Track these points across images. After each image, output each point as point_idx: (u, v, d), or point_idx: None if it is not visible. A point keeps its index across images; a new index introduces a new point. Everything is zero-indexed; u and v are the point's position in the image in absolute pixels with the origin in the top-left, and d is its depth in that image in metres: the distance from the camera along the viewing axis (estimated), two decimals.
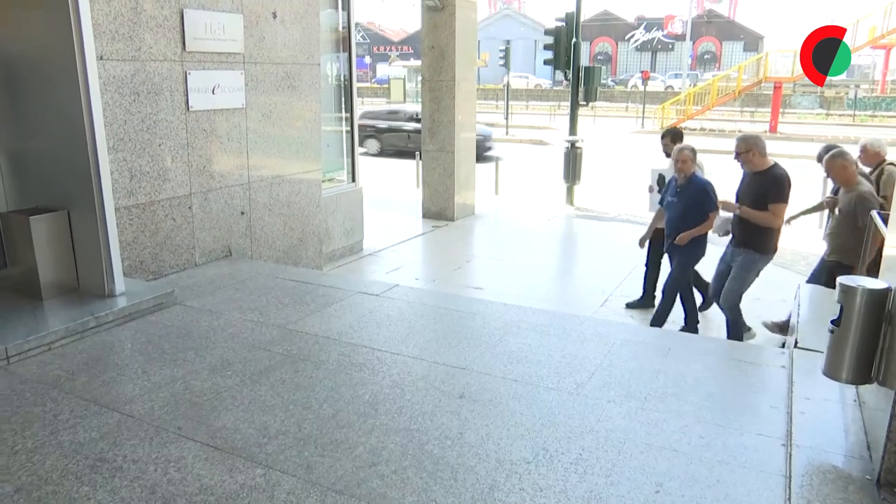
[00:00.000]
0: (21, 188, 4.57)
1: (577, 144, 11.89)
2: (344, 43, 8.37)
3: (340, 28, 8.33)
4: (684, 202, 5.56)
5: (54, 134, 4.28)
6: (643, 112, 29.56)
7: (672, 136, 6.57)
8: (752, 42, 54.24)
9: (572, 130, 12.20)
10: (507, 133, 24.88)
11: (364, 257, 8.57)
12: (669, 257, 5.85)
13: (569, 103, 12.48)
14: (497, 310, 4.61)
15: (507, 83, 27.42)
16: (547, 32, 12.48)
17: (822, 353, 2.85)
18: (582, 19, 12.16)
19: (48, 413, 3.13)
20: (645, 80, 33.66)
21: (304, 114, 6.30)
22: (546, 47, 12.39)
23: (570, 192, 12.11)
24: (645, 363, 3.72)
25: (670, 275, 5.79)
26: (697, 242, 5.59)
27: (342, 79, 8.45)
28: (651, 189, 6.72)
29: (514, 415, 3.13)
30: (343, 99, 8.50)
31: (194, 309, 4.44)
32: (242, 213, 5.78)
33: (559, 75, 18.33)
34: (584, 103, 12.17)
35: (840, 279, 2.72)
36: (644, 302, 6.57)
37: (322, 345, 3.90)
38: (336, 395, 3.28)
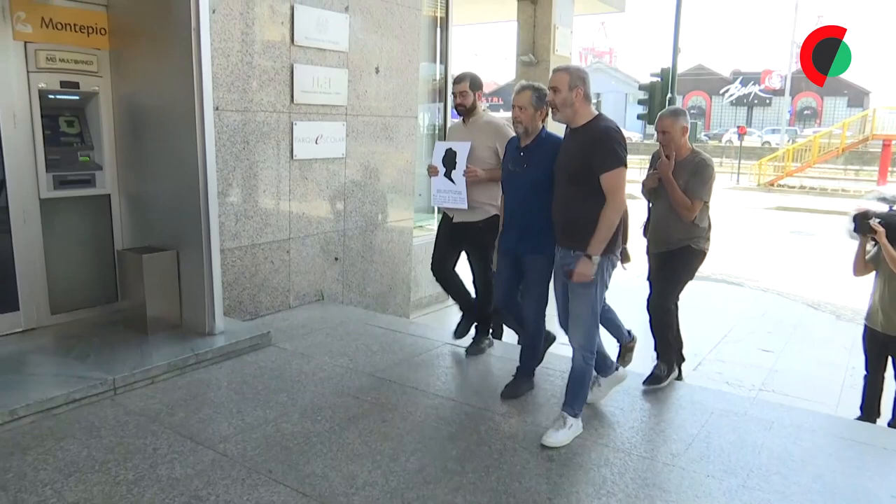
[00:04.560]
0: (137, 228, 4.88)
1: None
2: (440, 94, 8.60)
3: (437, 79, 8.57)
4: None
5: (170, 178, 4.56)
6: (738, 168, 28.69)
7: None
8: (857, 97, 51.96)
9: None
10: None
11: (449, 307, 8.57)
12: None
13: None
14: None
15: None
16: (641, 87, 12.42)
17: None
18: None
19: (148, 446, 3.25)
20: (741, 135, 32.76)
21: (399, 164, 6.47)
22: (640, 102, 12.32)
23: None
24: (746, 436, 3.51)
25: None
26: None
27: (436, 128, 8.66)
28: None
29: (605, 483, 3.01)
30: None
31: (287, 351, 4.56)
32: (336, 259, 5.94)
33: (651, 129, 18.08)
34: None
35: None
36: None
37: (410, 395, 3.90)
38: (423, 449, 3.25)
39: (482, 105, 4.43)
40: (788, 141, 36.17)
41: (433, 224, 8.67)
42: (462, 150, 4.25)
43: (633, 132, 49.49)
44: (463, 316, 4.70)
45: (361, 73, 5.96)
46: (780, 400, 5.54)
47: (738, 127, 35.93)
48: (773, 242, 13.60)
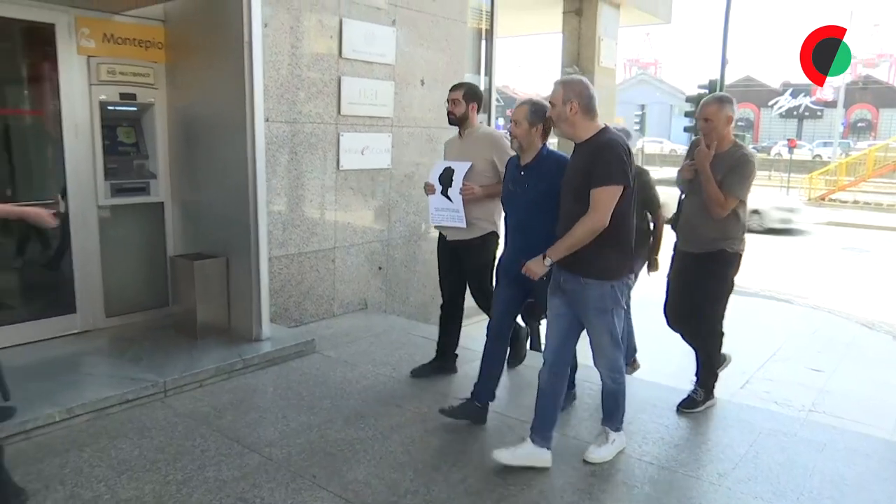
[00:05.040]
0: (189, 235, 5.02)
1: None
2: (484, 106, 8.61)
3: (481, 90, 8.59)
4: None
5: (221, 187, 4.68)
6: (788, 181, 28.00)
7: None
8: None
9: None
10: None
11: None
12: None
13: None
14: (629, 384, 4.43)
15: (642, 147, 27.05)
16: (688, 100, 12.27)
17: None
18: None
19: (197, 448, 3.33)
20: (791, 147, 31.97)
21: None
22: (687, 114, 12.16)
23: None
24: (796, 458, 3.42)
25: None
26: None
27: None
28: None
29: (649, 501, 2.97)
30: None
31: (331, 359, 4.62)
32: (380, 268, 6.00)
33: None
34: None
35: None
36: None
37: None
38: (465, 460, 3.26)
39: (478, 118, 4.22)
40: (841, 154, 35.19)
41: None
42: (461, 169, 3.99)
43: (677, 144, 48.76)
44: (435, 358, 4.46)
45: (407, 84, 6.04)
46: (831, 422, 5.37)
47: (789, 140, 35.07)
48: (824, 258, 13.22)
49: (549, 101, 3.10)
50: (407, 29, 5.98)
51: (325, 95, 5.34)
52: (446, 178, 4.04)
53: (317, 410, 3.77)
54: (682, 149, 47.37)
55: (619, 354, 3.21)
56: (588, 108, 3.01)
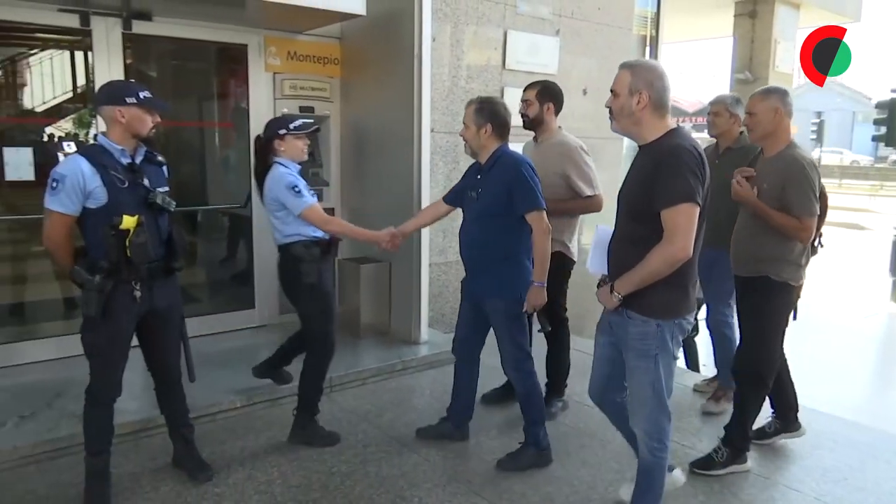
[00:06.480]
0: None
1: None
2: None
3: None
4: None
5: (387, 194, 4.89)
6: None
7: None
8: None
9: None
10: None
11: None
12: None
13: None
14: (802, 416, 4.06)
15: (819, 158, 24.88)
16: (878, 106, 11.11)
17: None
18: None
19: (359, 443, 3.49)
20: None
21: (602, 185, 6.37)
22: (876, 121, 11.02)
23: None
24: None
25: None
26: None
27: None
28: None
29: None
30: None
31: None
32: None
33: (885, 151, 16.11)
34: None
35: None
36: None
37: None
38: (622, 480, 3.15)
39: (555, 122, 3.79)
40: None
41: None
42: None
43: (859, 154, 44.38)
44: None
45: (568, 94, 5.93)
46: None
47: None
48: None
49: (612, 90, 2.48)
50: (570, 38, 5.93)
51: None
52: None
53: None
54: (865, 160, 43.09)
55: (663, 417, 2.52)
56: (659, 103, 2.41)
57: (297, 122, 3.43)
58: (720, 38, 11.94)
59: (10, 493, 2.92)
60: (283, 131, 3.38)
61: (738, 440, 3.24)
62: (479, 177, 3.23)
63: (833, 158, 43.15)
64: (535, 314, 3.32)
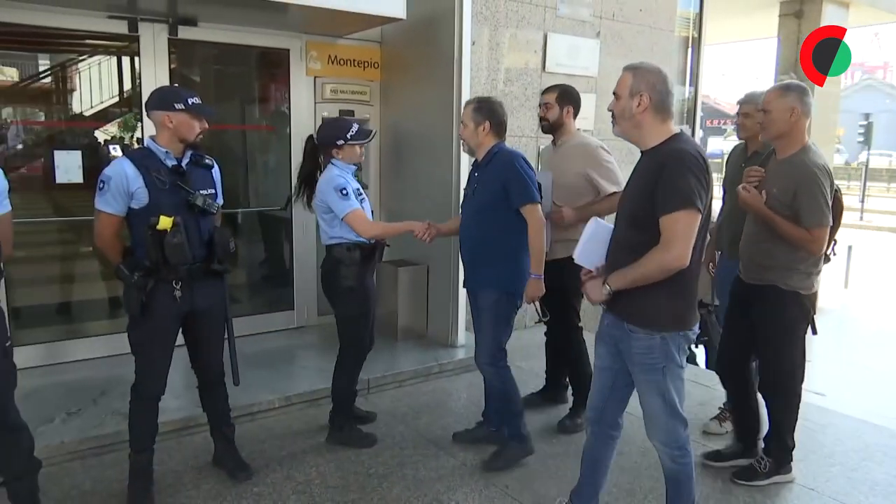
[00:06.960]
0: (394, 242, 5.25)
1: None
2: (688, 116, 8.23)
3: (685, 100, 8.22)
4: None
5: (425, 197, 4.91)
6: None
7: None
8: None
9: None
10: (860, 218, 21.76)
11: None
12: None
13: None
14: (852, 426, 3.96)
15: (866, 161, 24.15)
16: None
17: None
18: None
19: (396, 445, 3.51)
20: None
21: None
22: None
23: None
24: None
25: None
26: None
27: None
28: None
29: None
30: None
31: (523, 370, 4.62)
32: None
33: None
34: None
35: None
36: None
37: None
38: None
39: (574, 125, 3.78)
40: None
41: None
42: (545, 180, 3.44)
43: None
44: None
45: (609, 96, 5.91)
46: None
47: None
48: None
49: (614, 92, 2.44)
50: (611, 40, 5.88)
51: (527, 109, 5.40)
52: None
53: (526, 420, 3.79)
54: None
55: (679, 425, 2.48)
56: (661, 106, 2.35)
57: (354, 130, 3.36)
58: (764, 39, 11.70)
59: (57, 488, 3.00)
60: (340, 142, 3.33)
61: (778, 453, 3.18)
62: (476, 174, 3.28)
63: (882, 161, 41.87)
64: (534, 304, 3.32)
